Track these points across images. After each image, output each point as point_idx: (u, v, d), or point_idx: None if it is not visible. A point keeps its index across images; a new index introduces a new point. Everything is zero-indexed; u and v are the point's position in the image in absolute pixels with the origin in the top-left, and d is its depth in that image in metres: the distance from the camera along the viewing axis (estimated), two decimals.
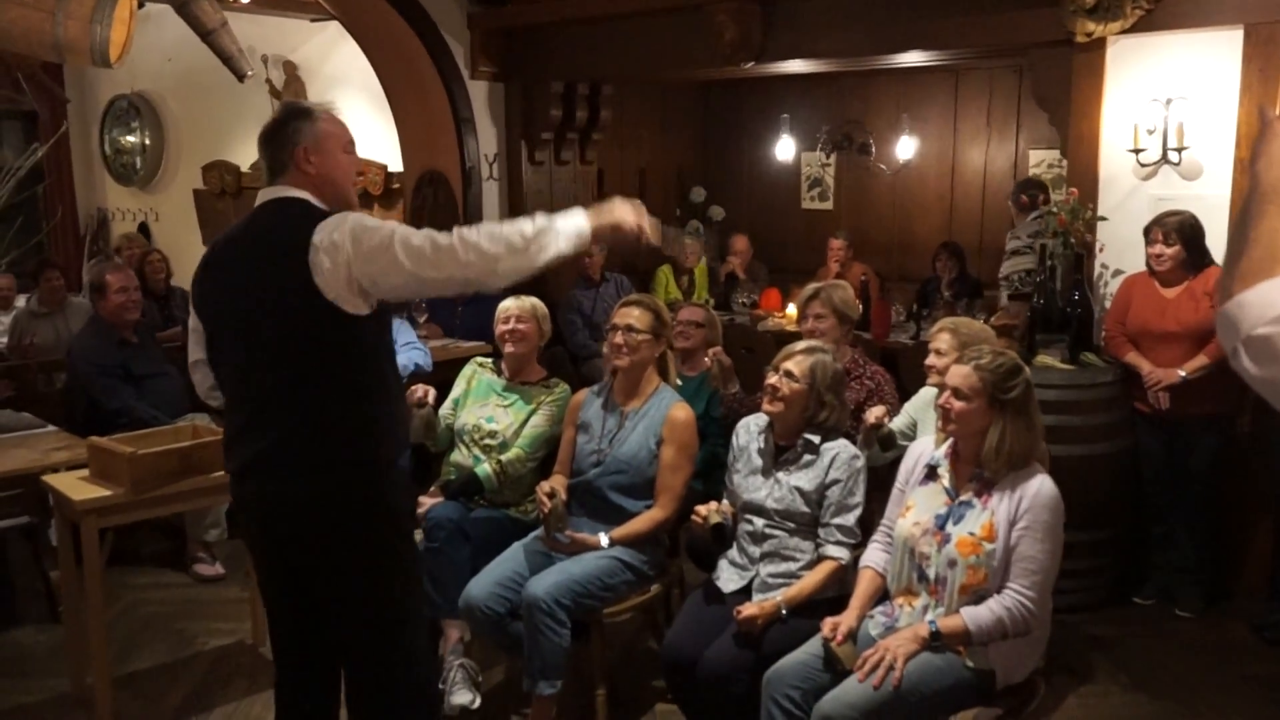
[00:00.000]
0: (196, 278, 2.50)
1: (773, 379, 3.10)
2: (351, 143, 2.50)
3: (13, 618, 4.24)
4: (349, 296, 2.26)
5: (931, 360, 3.36)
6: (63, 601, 3.83)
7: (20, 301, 6.53)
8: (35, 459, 3.92)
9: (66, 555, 3.52)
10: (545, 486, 3.30)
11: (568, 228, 2.27)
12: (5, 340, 5.97)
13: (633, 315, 3.42)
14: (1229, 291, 1.28)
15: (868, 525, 3.03)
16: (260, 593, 2.60)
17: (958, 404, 2.67)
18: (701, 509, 3.13)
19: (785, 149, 7.85)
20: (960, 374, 2.68)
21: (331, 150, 2.43)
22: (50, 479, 3.55)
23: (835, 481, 3.01)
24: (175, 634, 4.12)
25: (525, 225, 2.24)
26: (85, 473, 3.50)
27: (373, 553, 2.41)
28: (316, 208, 2.38)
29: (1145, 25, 4.31)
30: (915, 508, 2.77)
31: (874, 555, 2.89)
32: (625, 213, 2.33)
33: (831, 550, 2.98)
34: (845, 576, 2.98)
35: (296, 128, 2.41)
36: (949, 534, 2.65)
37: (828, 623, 2.72)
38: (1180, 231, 4.07)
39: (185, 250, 8.02)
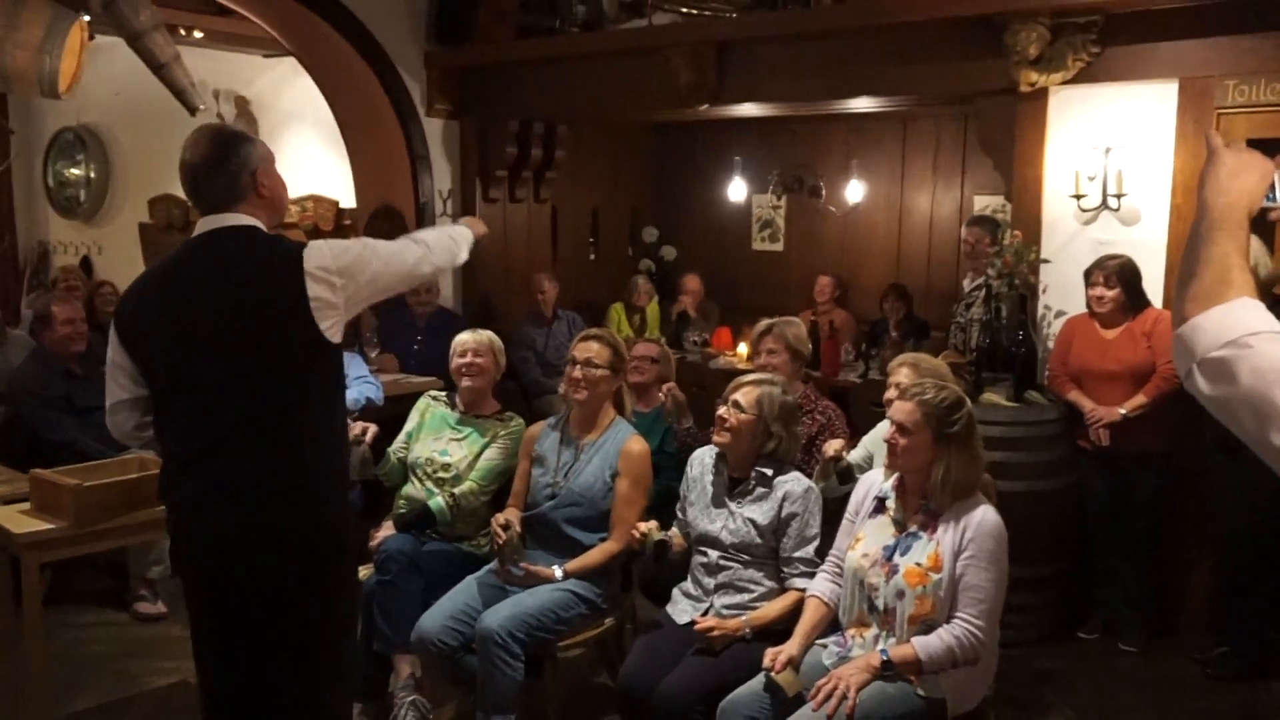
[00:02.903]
0: (130, 313, 2.42)
1: (721, 410, 3.14)
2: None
3: None
4: (339, 322, 2.34)
5: (891, 394, 3.41)
6: None
7: None
8: None
9: (4, 592, 3.43)
10: (500, 518, 3.30)
11: (464, 233, 2.79)
12: None
13: (592, 350, 3.45)
14: (1182, 315, 1.33)
15: (821, 554, 3.06)
16: (193, 634, 2.50)
17: (903, 439, 2.72)
18: (641, 525, 3.15)
19: (737, 190, 7.96)
20: (904, 410, 2.74)
21: (274, 170, 2.45)
22: None
23: (793, 515, 3.05)
24: (116, 674, 4.02)
25: (454, 230, 2.77)
26: (26, 506, 3.42)
27: (323, 584, 2.39)
28: (278, 235, 2.41)
29: (1086, 76, 4.46)
30: (865, 539, 2.81)
31: (820, 585, 2.92)
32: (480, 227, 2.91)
33: (798, 583, 3.02)
34: None
35: (248, 152, 2.38)
36: (896, 565, 2.69)
37: (769, 652, 2.74)
38: (1120, 275, 4.19)
39: (128, 284, 7.90)
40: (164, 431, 2.43)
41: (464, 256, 2.75)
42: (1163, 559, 4.36)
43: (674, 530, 3.26)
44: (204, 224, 2.38)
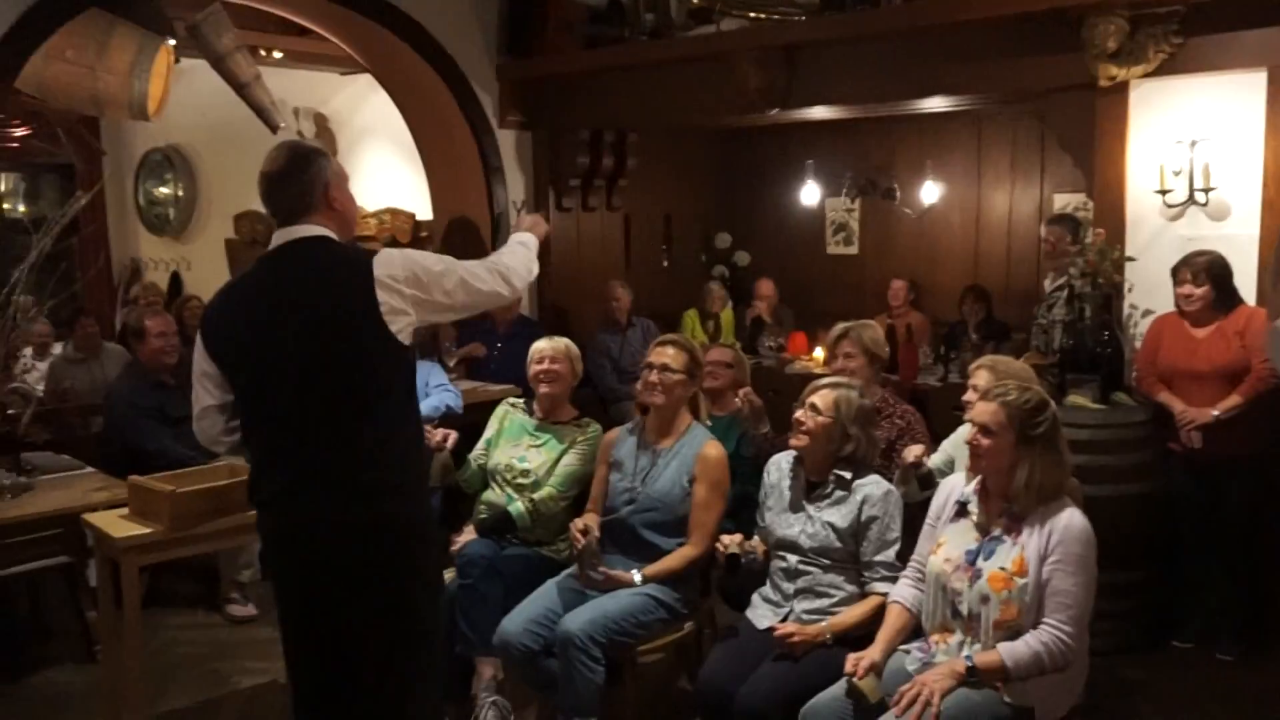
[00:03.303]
0: (215, 323, 2.55)
1: (799, 413, 3.13)
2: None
3: (49, 658, 4.27)
4: (409, 326, 2.44)
5: (969, 397, 3.36)
6: (100, 641, 3.86)
7: (57, 349, 6.64)
8: (74, 499, 3.98)
9: (106, 594, 3.55)
10: (579, 523, 3.33)
11: (531, 242, 2.85)
12: (42, 386, 6.05)
13: (668, 354, 3.46)
14: (1278, 309, 1.29)
15: (902, 558, 3.03)
16: (282, 633, 2.60)
17: (985, 441, 2.69)
18: (725, 538, 3.16)
19: (809, 194, 7.93)
20: (987, 411, 2.70)
21: (346, 187, 2.57)
22: (90, 517, 3.59)
23: (873, 519, 3.02)
24: (209, 674, 4.14)
25: (524, 239, 2.84)
26: (124, 511, 3.55)
27: (406, 577, 2.49)
28: (350, 244, 2.52)
29: (1168, 68, 4.34)
30: (946, 544, 2.77)
31: (903, 591, 2.89)
32: (540, 227, 2.98)
33: (879, 586, 3.00)
34: None
35: (321, 166, 2.51)
36: (980, 569, 2.65)
37: (851, 658, 2.73)
38: (1209, 271, 4.07)
39: None
40: (251, 433, 2.56)
41: (536, 266, 2.84)
42: (1260, 565, 4.20)
43: (756, 540, 3.25)
44: (280, 236, 2.52)
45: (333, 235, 2.51)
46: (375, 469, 2.43)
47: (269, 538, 2.57)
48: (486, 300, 2.65)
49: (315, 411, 2.43)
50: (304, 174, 2.49)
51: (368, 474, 2.43)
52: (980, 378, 3.39)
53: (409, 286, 2.44)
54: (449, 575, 3.61)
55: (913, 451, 3.44)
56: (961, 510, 2.80)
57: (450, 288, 2.52)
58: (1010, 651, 2.55)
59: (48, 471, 4.34)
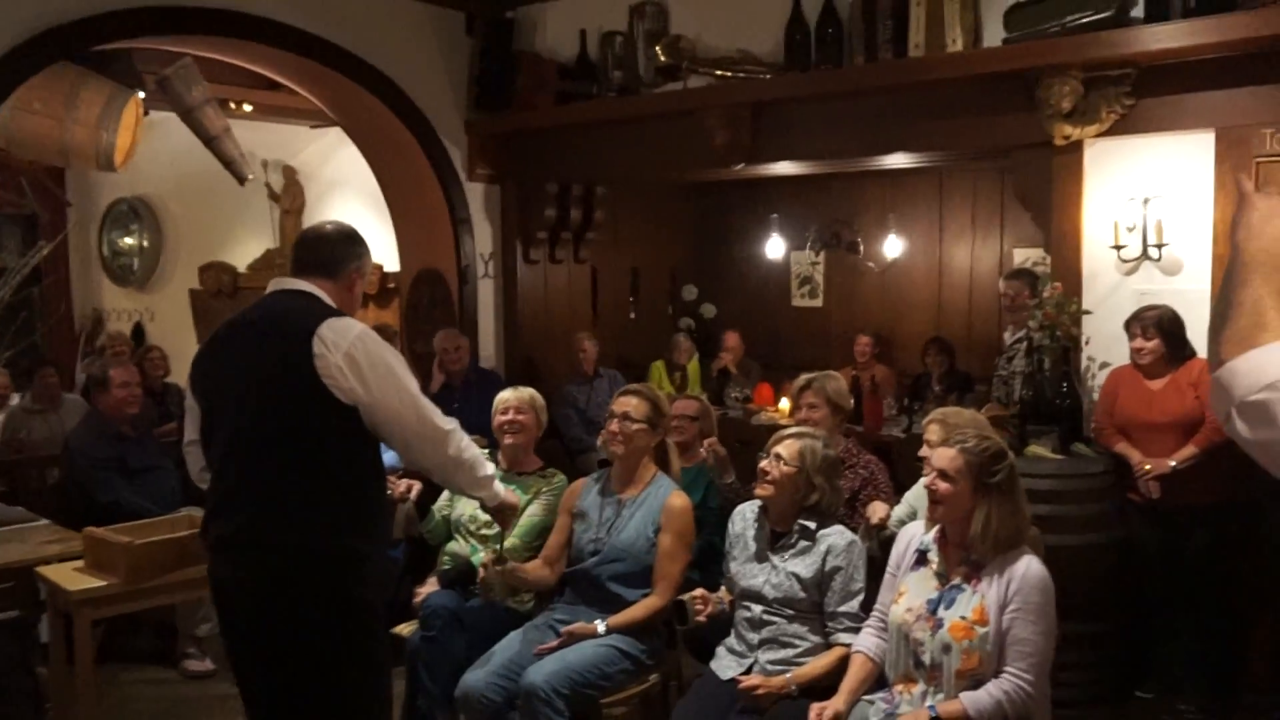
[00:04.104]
0: (198, 358, 2.60)
1: (764, 462, 3.15)
2: None
3: None
4: (345, 391, 2.41)
5: (925, 452, 3.39)
6: (51, 699, 3.77)
7: (15, 399, 6.54)
8: (27, 552, 3.89)
9: (58, 650, 3.48)
10: (488, 557, 3.32)
11: (498, 489, 2.87)
12: None
13: (630, 404, 3.48)
14: (1218, 358, 1.33)
15: (866, 609, 3.03)
16: (234, 674, 2.60)
17: (943, 486, 2.71)
18: (698, 593, 3.15)
19: (775, 248, 8.02)
20: (945, 456, 2.73)
21: (363, 284, 2.70)
22: (44, 570, 3.54)
23: (837, 569, 3.03)
24: None
25: (489, 466, 2.82)
26: (80, 564, 3.50)
27: (331, 644, 2.43)
28: (328, 303, 2.53)
29: (1121, 128, 4.46)
30: (908, 593, 2.79)
31: (866, 641, 2.89)
32: (510, 510, 3.03)
33: (843, 638, 2.99)
34: None
35: (362, 253, 2.65)
36: (941, 619, 2.66)
37: (814, 708, 2.72)
38: (1159, 325, 4.15)
39: (180, 349, 8.06)
40: (210, 475, 2.58)
41: (484, 486, 2.80)
42: (1222, 615, 4.22)
43: (722, 590, 3.25)
44: (274, 284, 2.58)
45: (324, 298, 2.53)
46: (305, 525, 2.40)
47: (210, 582, 2.56)
48: (430, 433, 2.57)
49: (251, 459, 2.43)
50: (346, 247, 2.60)
51: (296, 529, 2.40)
52: (932, 432, 3.40)
53: (346, 362, 2.38)
54: (410, 628, 3.58)
55: (877, 512, 3.46)
56: (921, 558, 2.82)
57: (390, 400, 2.44)
58: (973, 701, 2.56)
59: (0, 523, 4.26)
